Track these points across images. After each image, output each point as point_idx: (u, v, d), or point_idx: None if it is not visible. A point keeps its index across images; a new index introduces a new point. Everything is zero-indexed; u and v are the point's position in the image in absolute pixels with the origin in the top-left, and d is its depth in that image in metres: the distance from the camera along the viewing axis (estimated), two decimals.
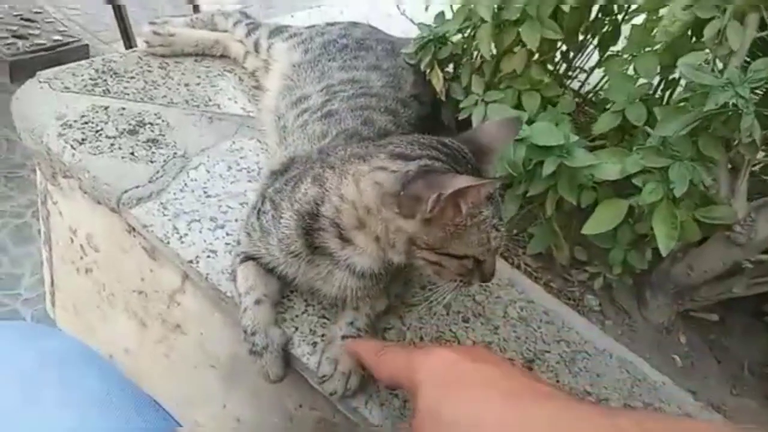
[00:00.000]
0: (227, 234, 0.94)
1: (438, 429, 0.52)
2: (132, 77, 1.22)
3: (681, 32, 0.87)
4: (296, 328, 0.84)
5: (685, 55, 0.86)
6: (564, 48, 1.21)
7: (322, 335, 0.83)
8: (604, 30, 1.16)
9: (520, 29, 0.98)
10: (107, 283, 1.18)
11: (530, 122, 0.94)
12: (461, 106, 1.07)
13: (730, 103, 0.77)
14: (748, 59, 0.84)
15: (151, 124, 1.11)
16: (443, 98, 1.13)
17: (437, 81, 1.11)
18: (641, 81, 0.96)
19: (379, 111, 1.00)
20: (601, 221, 0.90)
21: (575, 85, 1.33)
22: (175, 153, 1.06)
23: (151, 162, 1.03)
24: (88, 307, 1.29)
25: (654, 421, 0.50)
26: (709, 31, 0.83)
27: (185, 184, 1.00)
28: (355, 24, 1.28)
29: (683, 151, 0.84)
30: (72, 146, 1.02)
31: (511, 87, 1.04)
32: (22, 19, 2.58)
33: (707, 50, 0.87)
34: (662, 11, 0.97)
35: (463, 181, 0.64)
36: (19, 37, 2.46)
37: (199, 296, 0.97)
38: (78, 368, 0.66)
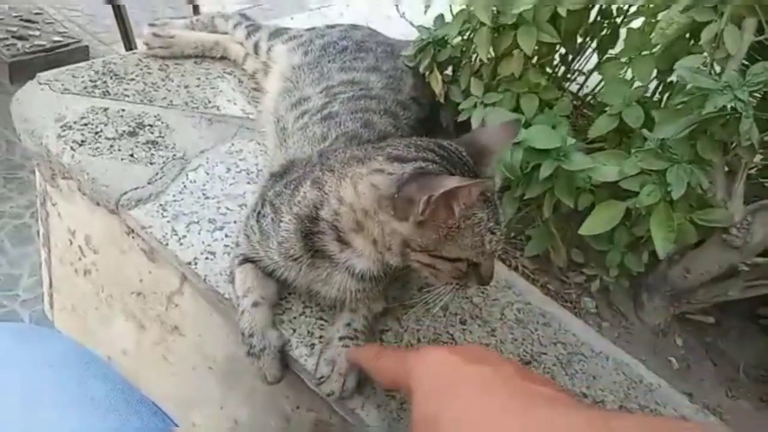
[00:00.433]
0: (226, 236, 0.94)
1: (433, 430, 0.52)
2: (132, 79, 1.22)
3: (678, 35, 0.87)
4: (294, 330, 0.84)
5: (682, 58, 0.87)
6: (563, 51, 1.21)
7: (320, 337, 0.83)
8: (603, 33, 1.16)
9: (516, 33, 0.98)
10: (106, 284, 1.18)
11: (527, 125, 0.94)
12: (460, 108, 1.07)
13: (729, 106, 0.77)
14: (746, 63, 0.85)
15: (151, 125, 1.11)
16: (442, 101, 1.13)
17: (436, 83, 1.12)
18: (637, 84, 0.97)
19: (379, 113, 1.01)
20: (598, 223, 0.90)
21: (574, 87, 1.34)
22: (174, 155, 1.06)
23: (151, 164, 1.03)
24: (86, 308, 1.29)
25: (651, 425, 0.50)
26: (706, 35, 0.84)
27: (184, 186, 1.01)
28: (354, 26, 1.29)
29: (681, 154, 0.84)
30: (71, 148, 1.03)
31: (510, 90, 1.05)
32: (22, 20, 2.58)
33: (704, 54, 0.87)
34: (660, 14, 0.98)
35: (452, 181, 0.64)
36: (19, 38, 2.46)
37: (198, 298, 0.97)
38: (76, 370, 0.66)
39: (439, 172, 0.68)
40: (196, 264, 0.90)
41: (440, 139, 0.75)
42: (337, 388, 0.76)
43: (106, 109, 1.12)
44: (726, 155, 0.89)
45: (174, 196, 0.99)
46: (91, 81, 1.19)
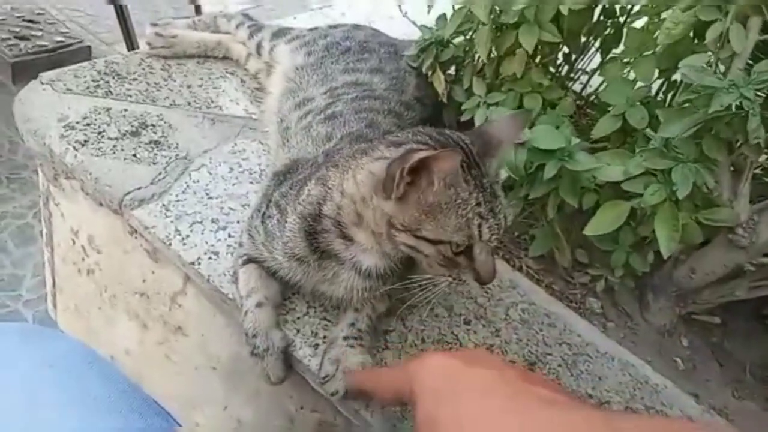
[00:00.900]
0: (229, 236, 0.94)
1: None
2: (134, 79, 1.22)
3: (683, 35, 0.86)
4: (298, 330, 0.84)
5: (685, 57, 0.86)
6: (566, 50, 1.21)
7: (324, 337, 0.83)
8: (606, 33, 1.16)
9: (518, 32, 0.98)
10: (109, 284, 1.18)
11: (531, 125, 0.93)
12: (463, 108, 1.07)
13: (735, 104, 0.77)
14: (750, 62, 0.84)
15: (154, 125, 1.11)
16: (445, 100, 1.13)
17: (439, 83, 1.12)
18: (639, 84, 0.96)
19: (383, 114, 1.01)
20: (602, 223, 0.90)
21: (578, 87, 1.33)
22: (177, 155, 1.06)
23: (153, 164, 1.03)
24: (89, 308, 1.29)
25: (654, 425, 0.50)
26: (711, 34, 0.83)
27: (187, 186, 1.00)
28: (357, 26, 1.29)
29: (686, 153, 0.84)
30: (74, 148, 1.02)
31: (513, 89, 1.04)
32: (24, 20, 2.58)
33: (709, 52, 0.86)
34: (664, 14, 0.97)
35: (421, 153, 0.63)
36: (22, 38, 2.46)
37: (201, 298, 0.97)
38: (80, 370, 0.66)
39: (425, 142, 0.68)
40: (199, 264, 0.89)
41: (445, 129, 0.75)
42: (341, 386, 0.76)
43: (108, 109, 1.12)
44: (731, 154, 0.88)
45: (177, 196, 0.98)
46: (93, 81, 1.19)
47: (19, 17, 2.59)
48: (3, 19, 2.54)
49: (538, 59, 1.08)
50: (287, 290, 0.86)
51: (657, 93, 1.10)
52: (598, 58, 1.23)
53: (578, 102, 1.28)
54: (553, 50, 1.13)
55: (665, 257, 0.88)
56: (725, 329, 1.12)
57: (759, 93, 0.78)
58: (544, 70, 1.09)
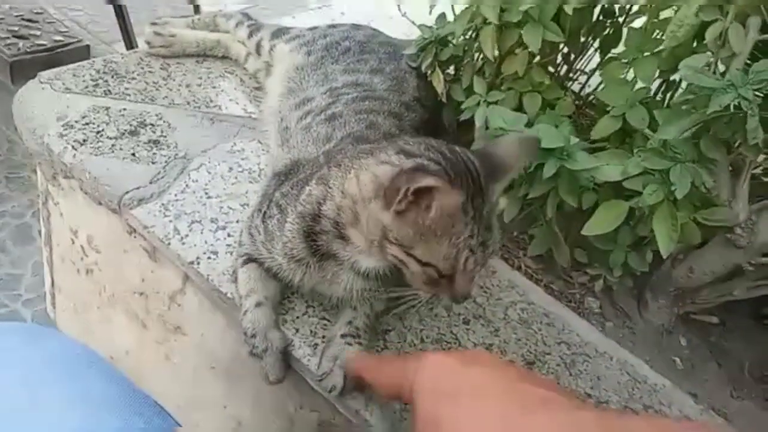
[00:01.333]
0: (228, 235, 0.94)
1: None
2: (133, 78, 1.22)
3: (688, 36, 0.86)
4: (297, 330, 0.84)
5: (685, 58, 0.86)
6: (565, 50, 1.21)
7: (323, 337, 0.83)
8: (606, 33, 1.16)
9: (522, 31, 0.98)
10: (108, 284, 1.18)
11: (530, 125, 0.94)
12: (463, 107, 1.06)
13: (733, 105, 0.77)
14: (748, 63, 0.84)
15: (152, 125, 1.11)
16: (444, 100, 1.13)
17: (438, 82, 1.11)
18: (639, 85, 0.96)
19: (383, 114, 1.00)
20: (601, 223, 0.90)
21: (576, 87, 1.33)
22: (176, 154, 1.06)
23: (152, 163, 1.03)
24: (88, 308, 1.29)
25: (648, 424, 0.50)
26: (711, 34, 0.83)
27: (186, 185, 1.00)
28: (356, 26, 1.28)
29: (685, 154, 0.84)
30: (73, 147, 1.02)
31: (513, 89, 1.04)
32: (23, 19, 2.57)
33: (708, 53, 0.87)
34: (663, 14, 0.97)
35: (432, 180, 0.63)
36: (20, 37, 2.45)
37: (200, 297, 0.97)
38: (79, 370, 0.65)
39: (435, 170, 0.67)
40: (198, 263, 0.89)
41: (456, 145, 0.73)
42: (338, 383, 0.76)
43: (107, 108, 1.12)
44: (730, 154, 0.88)
45: (176, 195, 0.98)
46: (92, 80, 1.19)
47: (17, 16, 2.58)
48: (1, 18, 2.53)
49: (538, 59, 1.08)
50: (287, 289, 0.86)
51: (656, 93, 1.10)
52: (596, 59, 1.23)
53: (577, 102, 1.28)
54: (554, 50, 1.13)
55: (664, 257, 0.88)
56: (724, 329, 1.12)
57: (757, 93, 0.78)
58: (544, 70, 1.09)
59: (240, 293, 0.84)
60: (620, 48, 1.13)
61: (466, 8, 1.05)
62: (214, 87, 1.26)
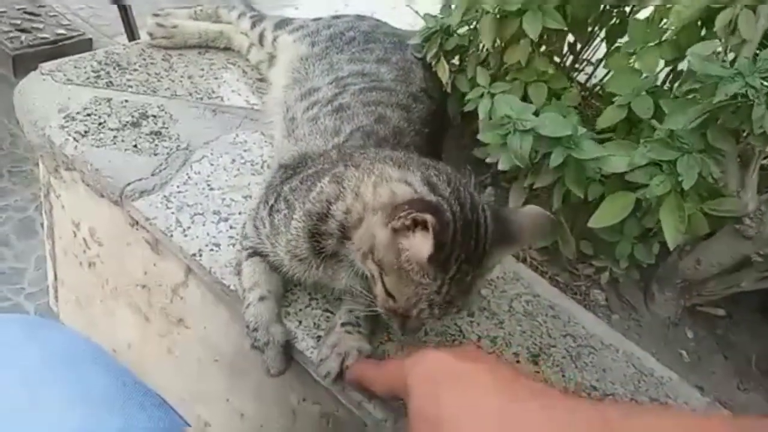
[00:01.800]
0: (231, 227, 0.93)
1: (432, 427, 0.52)
2: (135, 69, 1.22)
3: (693, 18, 0.85)
4: (300, 322, 0.83)
5: (692, 46, 0.85)
6: (571, 40, 1.19)
7: (326, 329, 0.82)
8: (612, 22, 1.15)
9: (522, 19, 0.96)
10: (110, 276, 1.18)
11: (536, 114, 0.92)
12: (467, 98, 1.05)
13: (740, 93, 0.76)
14: (757, 52, 0.83)
15: (155, 116, 1.10)
16: (449, 90, 1.12)
17: (443, 72, 1.10)
18: (645, 75, 0.95)
19: (391, 106, 0.99)
20: (608, 214, 0.89)
21: (582, 77, 1.32)
22: (178, 146, 1.05)
23: (155, 154, 1.02)
24: (91, 301, 1.28)
25: (641, 412, 0.50)
26: (721, 20, 0.82)
27: (189, 177, 1.00)
28: (360, 17, 1.27)
29: (692, 144, 0.83)
30: (75, 138, 1.02)
31: (518, 79, 1.03)
32: (25, 12, 2.57)
33: (717, 41, 0.85)
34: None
35: (429, 246, 0.63)
36: (23, 30, 2.45)
37: (203, 290, 0.97)
38: (82, 364, 0.65)
39: (446, 222, 0.66)
40: (200, 256, 0.89)
41: (480, 196, 0.73)
42: (333, 369, 0.74)
43: (109, 100, 1.11)
44: (738, 144, 0.87)
45: (178, 187, 0.98)
46: (93, 71, 1.18)
47: (20, 9, 2.58)
48: (4, 12, 2.53)
49: (543, 48, 1.07)
50: (290, 283, 0.86)
51: (663, 82, 1.08)
52: (602, 49, 1.22)
53: (583, 93, 1.27)
54: (558, 39, 1.12)
55: (671, 248, 0.87)
56: (730, 321, 1.11)
57: (765, 82, 0.77)
58: (548, 59, 1.07)
59: (243, 286, 0.83)
60: (626, 38, 1.11)
61: None
62: (216, 78, 1.25)
